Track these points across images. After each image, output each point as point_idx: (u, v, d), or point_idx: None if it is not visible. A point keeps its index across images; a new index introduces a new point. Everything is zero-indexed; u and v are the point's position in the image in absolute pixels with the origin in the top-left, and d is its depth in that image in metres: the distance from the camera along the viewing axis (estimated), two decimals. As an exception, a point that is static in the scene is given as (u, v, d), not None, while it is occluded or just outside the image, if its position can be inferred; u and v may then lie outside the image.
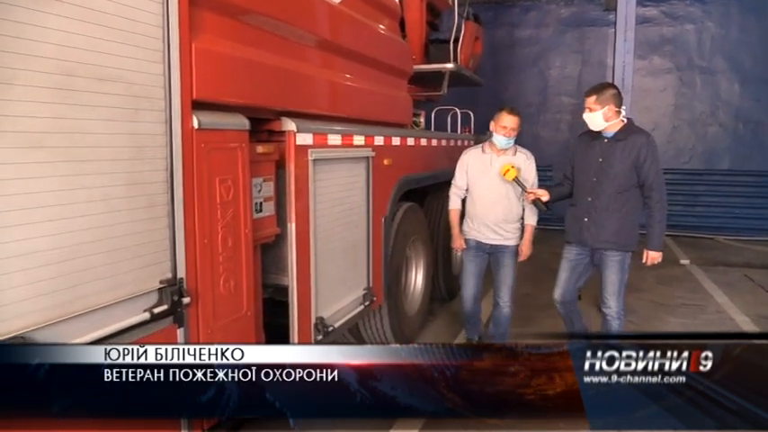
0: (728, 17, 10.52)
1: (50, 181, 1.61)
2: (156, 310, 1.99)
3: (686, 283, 7.09)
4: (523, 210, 4.08)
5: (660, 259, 3.64)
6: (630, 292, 5.31)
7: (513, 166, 3.84)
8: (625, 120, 3.57)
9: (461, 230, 4.18)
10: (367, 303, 3.68)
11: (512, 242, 4.08)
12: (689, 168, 10.76)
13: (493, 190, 4.01)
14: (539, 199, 3.81)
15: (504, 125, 3.90)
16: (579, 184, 3.75)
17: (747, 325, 5.44)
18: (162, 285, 2.04)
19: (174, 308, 2.07)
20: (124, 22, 1.84)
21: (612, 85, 3.70)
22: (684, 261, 8.21)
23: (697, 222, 10.44)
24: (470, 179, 4.11)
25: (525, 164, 4.01)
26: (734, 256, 8.79)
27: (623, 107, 3.58)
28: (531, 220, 4.10)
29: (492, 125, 4.00)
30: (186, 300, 2.12)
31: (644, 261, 3.68)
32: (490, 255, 4.17)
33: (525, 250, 4.11)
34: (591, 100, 3.56)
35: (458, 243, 4.19)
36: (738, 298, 6.34)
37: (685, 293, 6.56)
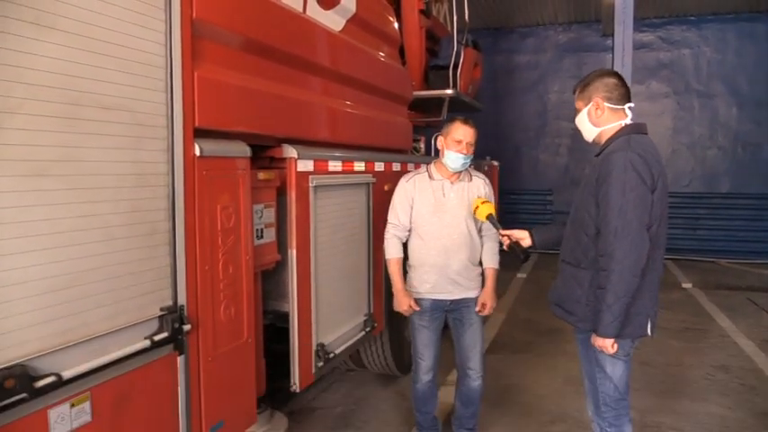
0: (724, 42, 10.67)
1: (53, 209, 1.62)
2: (157, 338, 1.99)
3: (688, 306, 7.06)
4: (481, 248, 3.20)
5: (610, 351, 2.33)
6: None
7: (484, 200, 2.97)
8: (624, 124, 2.43)
9: (406, 286, 3.18)
10: (368, 329, 3.66)
11: (476, 292, 3.16)
12: (689, 192, 10.81)
13: (455, 230, 3.07)
14: (517, 243, 2.81)
15: (459, 138, 3.00)
16: None
17: (751, 348, 5.40)
18: (162, 313, 2.03)
19: (175, 335, 2.07)
20: (128, 51, 1.86)
21: (606, 73, 2.50)
22: (686, 285, 8.19)
23: (698, 246, 10.45)
24: (418, 217, 3.12)
25: (484, 192, 3.14)
26: (736, 279, 8.77)
27: (628, 105, 2.43)
28: (492, 262, 3.19)
29: (440, 142, 3.11)
30: (187, 327, 2.12)
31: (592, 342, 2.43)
32: (448, 313, 3.21)
33: (490, 302, 3.14)
34: (575, 97, 2.54)
35: (406, 304, 3.11)
36: (742, 321, 6.32)
37: (688, 317, 6.54)
